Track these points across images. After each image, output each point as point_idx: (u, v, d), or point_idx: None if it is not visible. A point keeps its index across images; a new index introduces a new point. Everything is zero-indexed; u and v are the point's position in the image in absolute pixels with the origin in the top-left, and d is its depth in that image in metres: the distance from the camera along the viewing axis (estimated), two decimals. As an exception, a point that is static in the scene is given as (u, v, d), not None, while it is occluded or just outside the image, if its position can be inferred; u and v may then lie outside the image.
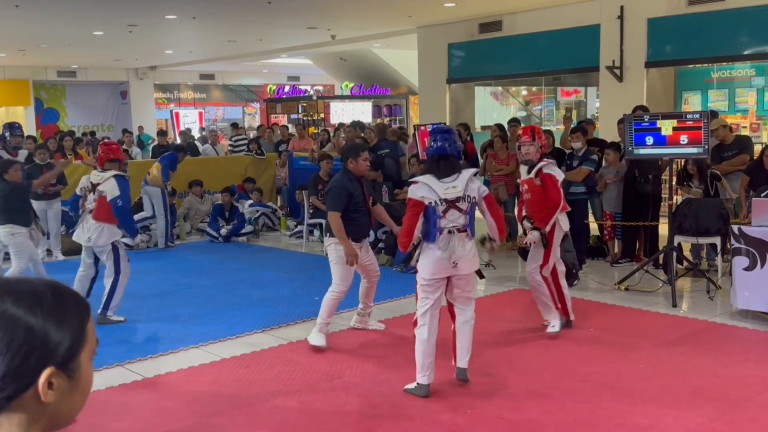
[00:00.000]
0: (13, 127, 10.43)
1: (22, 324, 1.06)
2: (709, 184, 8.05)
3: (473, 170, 4.96)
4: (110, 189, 6.54)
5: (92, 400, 4.93)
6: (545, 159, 6.25)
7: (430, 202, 4.70)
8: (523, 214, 6.32)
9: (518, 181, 6.49)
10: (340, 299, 5.89)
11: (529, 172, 6.11)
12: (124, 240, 10.42)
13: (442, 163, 4.79)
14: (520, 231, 7.05)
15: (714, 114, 8.88)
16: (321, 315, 5.82)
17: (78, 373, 1.11)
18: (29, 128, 20.41)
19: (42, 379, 1.06)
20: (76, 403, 1.13)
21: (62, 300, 1.11)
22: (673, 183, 7.67)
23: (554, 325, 6.01)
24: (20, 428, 1.07)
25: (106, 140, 7.19)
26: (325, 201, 6.06)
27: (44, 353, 1.07)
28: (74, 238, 7.10)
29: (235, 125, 16.68)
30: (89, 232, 6.64)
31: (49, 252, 10.15)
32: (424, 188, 4.74)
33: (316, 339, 5.79)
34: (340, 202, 5.77)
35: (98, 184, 6.62)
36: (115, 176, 6.60)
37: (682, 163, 8.35)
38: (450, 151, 4.81)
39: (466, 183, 4.76)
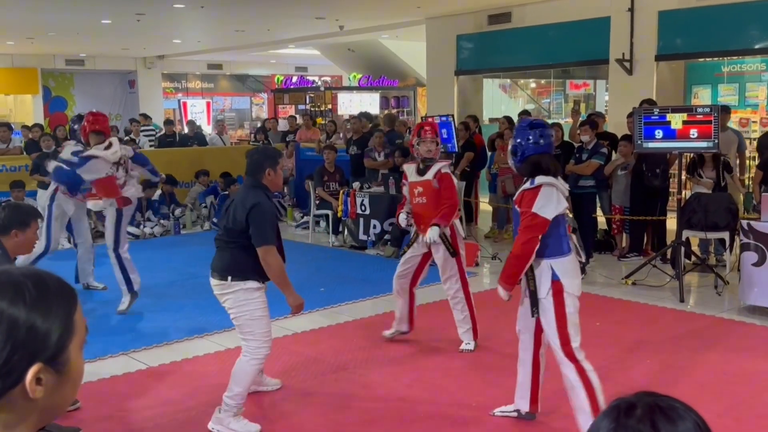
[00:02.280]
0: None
1: (6, 318, 0.99)
2: (721, 173, 7.91)
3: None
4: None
5: (96, 389, 4.87)
6: (441, 159, 5.73)
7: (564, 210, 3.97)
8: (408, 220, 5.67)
9: (405, 182, 5.72)
10: (261, 367, 4.45)
11: (423, 173, 5.50)
12: (130, 229, 10.51)
13: (552, 163, 4.07)
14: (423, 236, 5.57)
15: (725, 109, 8.80)
16: (235, 394, 4.22)
17: (67, 366, 1.05)
18: (37, 116, 20.42)
19: (29, 375, 1.00)
20: (67, 396, 1.08)
21: (46, 290, 1.04)
22: (683, 176, 7.63)
23: (468, 342, 5.56)
24: (8, 426, 1.02)
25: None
26: (251, 227, 4.16)
27: (31, 348, 1.00)
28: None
29: (144, 115, 16.62)
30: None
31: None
32: (560, 197, 3.95)
33: (241, 428, 4.22)
34: (272, 231, 4.22)
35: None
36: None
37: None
38: (551, 150, 4.19)
39: None
